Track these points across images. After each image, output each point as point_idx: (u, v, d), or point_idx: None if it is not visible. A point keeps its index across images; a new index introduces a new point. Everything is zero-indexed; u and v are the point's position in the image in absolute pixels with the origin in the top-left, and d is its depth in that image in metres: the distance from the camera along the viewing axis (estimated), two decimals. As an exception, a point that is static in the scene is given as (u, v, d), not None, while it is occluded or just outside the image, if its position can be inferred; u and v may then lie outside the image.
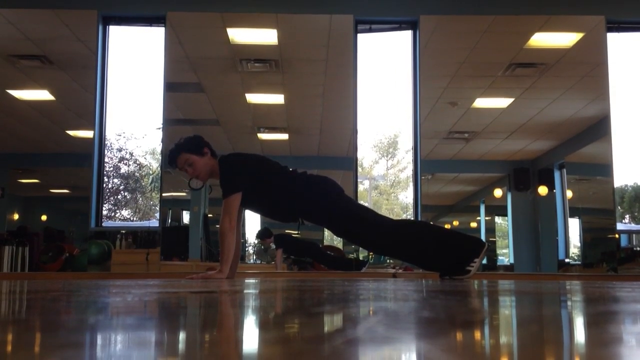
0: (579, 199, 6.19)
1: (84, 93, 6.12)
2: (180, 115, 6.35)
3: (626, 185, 14.10)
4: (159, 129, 6.31)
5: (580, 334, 0.91)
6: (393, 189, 23.98)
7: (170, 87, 6.10)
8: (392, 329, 0.87)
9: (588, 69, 6.14)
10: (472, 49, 6.10)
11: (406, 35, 6.31)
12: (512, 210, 6.35)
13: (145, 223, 10.82)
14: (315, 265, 6.10)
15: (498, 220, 6.92)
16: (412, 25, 6.21)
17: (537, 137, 6.29)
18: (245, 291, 2.00)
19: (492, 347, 0.73)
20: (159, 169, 10.04)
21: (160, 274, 5.25)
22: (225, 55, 6.16)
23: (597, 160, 6.10)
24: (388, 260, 6.33)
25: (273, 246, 6.05)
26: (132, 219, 16.75)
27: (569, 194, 6.13)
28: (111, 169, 15.93)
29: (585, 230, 6.21)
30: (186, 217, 6.32)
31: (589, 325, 1.00)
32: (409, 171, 20.53)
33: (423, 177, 6.07)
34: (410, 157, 9.90)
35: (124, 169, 16.72)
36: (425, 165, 6.09)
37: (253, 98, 6.33)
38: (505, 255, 7.27)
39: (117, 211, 16.61)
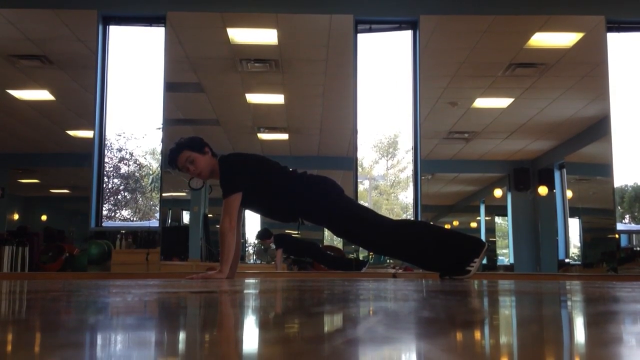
0: (579, 199, 6.19)
1: (84, 93, 6.11)
2: (180, 115, 6.35)
3: (626, 185, 14.10)
4: (159, 129, 6.31)
5: (580, 334, 0.91)
6: (393, 189, 23.98)
7: (170, 87, 6.10)
8: (392, 329, 0.86)
9: (588, 69, 6.14)
10: (472, 49, 6.10)
11: (406, 35, 6.31)
12: (512, 210, 6.35)
13: (145, 223, 10.82)
14: (315, 265, 6.10)
15: (498, 220, 6.92)
16: (412, 25, 6.21)
17: (537, 137, 6.29)
18: (245, 291, 2.00)
19: (492, 347, 0.73)
20: (159, 169, 10.04)
21: (160, 274, 5.25)
22: (225, 55, 6.16)
23: (597, 160, 6.10)
24: (388, 260, 6.33)
25: (273, 246, 6.05)
26: (132, 219, 16.75)
27: (569, 194, 6.13)
28: (111, 169, 15.93)
29: (585, 230, 6.21)
30: (186, 217, 6.32)
31: (589, 325, 1.00)
32: (409, 171, 20.53)
33: (423, 177, 6.07)
34: (410, 157, 9.90)
35: (124, 169, 16.72)
36: (425, 165, 6.09)
37: (253, 98, 6.33)
38: (505, 255, 7.27)
39: (117, 211, 16.61)
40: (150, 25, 6.31)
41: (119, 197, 16.59)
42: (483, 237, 6.17)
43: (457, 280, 3.10)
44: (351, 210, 3.40)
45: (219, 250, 3.31)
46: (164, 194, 6.19)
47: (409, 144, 6.63)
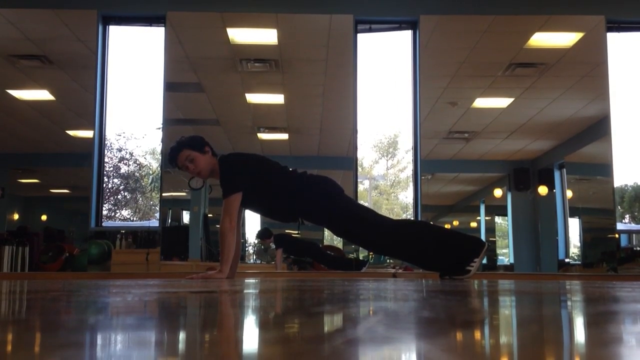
0: (579, 199, 6.19)
1: (84, 93, 6.12)
2: (180, 115, 6.35)
3: (626, 185, 14.09)
4: (159, 129, 6.31)
5: (580, 334, 0.91)
6: (393, 189, 23.98)
7: (170, 87, 6.10)
8: (392, 329, 0.87)
9: (588, 69, 6.14)
10: (472, 48, 6.10)
11: (406, 35, 6.32)
12: (512, 210, 6.36)
13: (145, 223, 10.81)
14: (315, 265, 6.10)
15: (498, 220, 6.92)
16: (412, 25, 6.21)
17: (537, 137, 6.29)
18: (245, 291, 2.00)
19: (492, 347, 0.73)
20: (159, 168, 10.04)
21: (160, 274, 5.25)
22: (225, 55, 6.16)
23: (597, 160, 6.10)
24: (388, 260, 6.33)
25: (273, 246, 6.05)
26: (132, 219, 16.75)
27: (569, 193, 6.13)
28: (111, 169, 15.93)
29: (585, 230, 6.21)
30: (186, 217, 6.32)
31: (589, 325, 1.00)
32: (409, 171, 20.53)
33: (423, 177, 6.07)
34: (410, 157, 9.91)
35: (124, 169, 16.72)
36: (425, 165, 6.09)
37: (253, 98, 6.33)
38: (505, 255, 7.27)
39: (117, 211, 16.61)
40: (150, 25, 6.31)
41: (119, 197, 16.59)
42: (483, 237, 6.17)
43: (457, 280, 3.10)
44: (351, 210, 3.40)
45: (219, 250, 3.31)
46: (164, 194, 6.19)
47: (409, 143, 6.64)
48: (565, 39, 6.13)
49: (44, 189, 6.51)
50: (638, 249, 6.15)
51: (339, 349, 0.68)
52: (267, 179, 3.37)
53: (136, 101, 23.89)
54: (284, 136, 6.40)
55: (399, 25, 6.37)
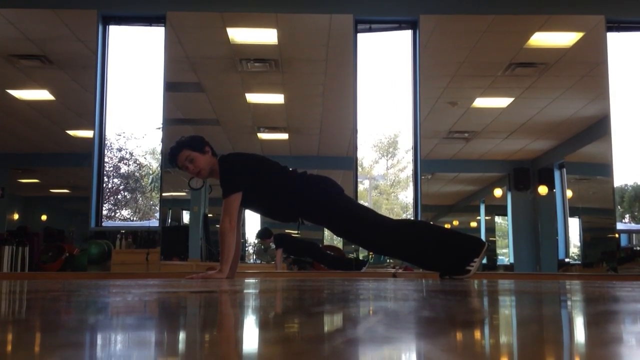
0: (579, 199, 6.19)
1: (84, 93, 6.12)
2: (180, 115, 6.35)
3: (626, 185, 14.10)
4: (159, 128, 6.31)
5: (580, 334, 0.91)
6: (393, 188, 23.98)
7: (170, 86, 6.10)
8: (392, 329, 0.87)
9: (588, 69, 6.14)
10: (472, 48, 6.10)
11: (406, 35, 6.32)
12: (512, 210, 6.36)
13: (145, 223, 10.82)
14: (315, 265, 6.10)
15: (498, 220, 6.92)
16: (412, 25, 6.21)
17: (537, 136, 6.29)
18: (245, 291, 2.00)
19: (492, 347, 0.73)
20: (159, 168, 10.04)
21: (160, 274, 5.25)
22: (225, 55, 6.16)
23: (597, 159, 6.10)
24: (388, 260, 6.33)
25: (273, 246, 6.05)
26: (132, 218, 16.76)
27: (569, 193, 6.13)
28: (111, 168, 15.93)
29: (585, 230, 6.21)
30: (186, 217, 6.32)
31: (589, 325, 1.00)
32: (409, 171, 20.53)
33: (423, 177, 6.07)
34: (410, 156, 9.91)
35: (124, 168, 16.73)
36: (425, 165, 6.09)
37: (253, 98, 6.33)
38: (505, 255, 7.27)
39: (117, 211, 16.61)
40: (150, 25, 6.31)
41: (119, 197, 16.59)
42: (483, 237, 6.17)
43: (457, 280, 3.10)
44: (351, 210, 3.40)
45: (219, 250, 3.31)
46: (164, 194, 6.19)
47: (409, 143, 6.64)
48: (565, 39, 6.13)
49: (44, 189, 6.52)
50: (638, 248, 6.15)
51: (339, 349, 0.68)
52: (267, 179, 3.37)
53: (136, 101, 23.90)
54: (284, 136, 6.40)
55: (399, 25, 6.37)
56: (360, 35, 6.21)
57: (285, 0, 6.15)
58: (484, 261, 5.83)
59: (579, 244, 6.30)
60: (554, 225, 6.17)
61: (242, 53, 6.08)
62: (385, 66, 23.03)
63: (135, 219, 16.73)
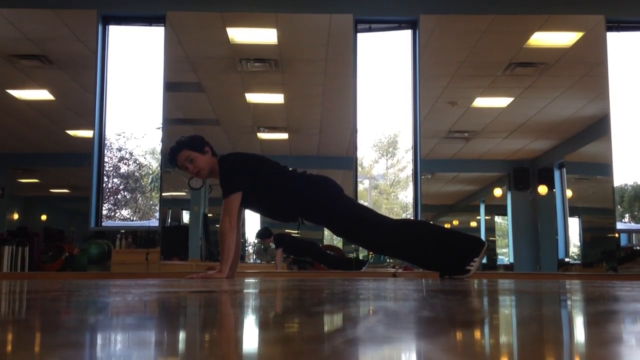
0: (579, 199, 6.19)
1: (84, 93, 6.12)
2: (180, 115, 6.35)
3: (626, 185, 14.09)
4: (159, 128, 6.31)
5: (580, 334, 0.91)
6: (393, 188, 23.98)
7: (170, 86, 6.10)
8: (392, 329, 0.87)
9: (588, 69, 6.14)
10: (471, 48, 6.11)
11: (406, 35, 6.32)
12: (512, 210, 6.36)
13: (145, 223, 10.81)
14: (315, 265, 6.11)
15: (498, 219, 6.92)
16: (412, 25, 6.21)
17: (536, 136, 6.29)
18: (245, 291, 2.00)
19: (492, 347, 0.73)
20: (158, 168, 10.04)
21: (160, 273, 5.25)
22: (225, 55, 6.16)
23: (597, 159, 6.10)
24: (388, 260, 6.33)
25: (273, 246, 6.05)
26: (132, 218, 16.75)
27: (569, 193, 6.13)
28: (111, 168, 15.92)
29: (585, 230, 6.21)
30: (186, 216, 6.32)
31: (589, 325, 1.00)
32: (409, 171, 20.50)
33: (423, 177, 6.07)
34: (410, 156, 9.90)
35: (123, 168, 16.72)
36: (425, 165, 6.09)
37: (253, 98, 6.33)
38: (505, 254, 7.27)
39: (117, 211, 16.60)
40: (150, 25, 6.31)
41: (119, 196, 16.59)
42: (483, 237, 6.17)
43: (457, 280, 3.10)
44: (351, 210, 3.40)
45: (218, 250, 3.31)
46: (163, 194, 6.19)
47: (409, 143, 6.64)
48: (565, 39, 6.14)
49: (44, 189, 6.52)
50: (638, 248, 6.15)
51: (339, 348, 0.68)
52: (267, 178, 3.37)
53: (136, 101, 23.87)
54: (284, 136, 6.40)
55: (399, 25, 6.38)
56: (360, 35, 6.21)
57: (285, 0, 6.15)
58: (484, 261, 5.83)
59: (578, 243, 6.30)
60: (554, 225, 6.17)
61: (242, 53, 6.08)
62: (385, 66, 23.05)
63: (135, 218, 16.72)
